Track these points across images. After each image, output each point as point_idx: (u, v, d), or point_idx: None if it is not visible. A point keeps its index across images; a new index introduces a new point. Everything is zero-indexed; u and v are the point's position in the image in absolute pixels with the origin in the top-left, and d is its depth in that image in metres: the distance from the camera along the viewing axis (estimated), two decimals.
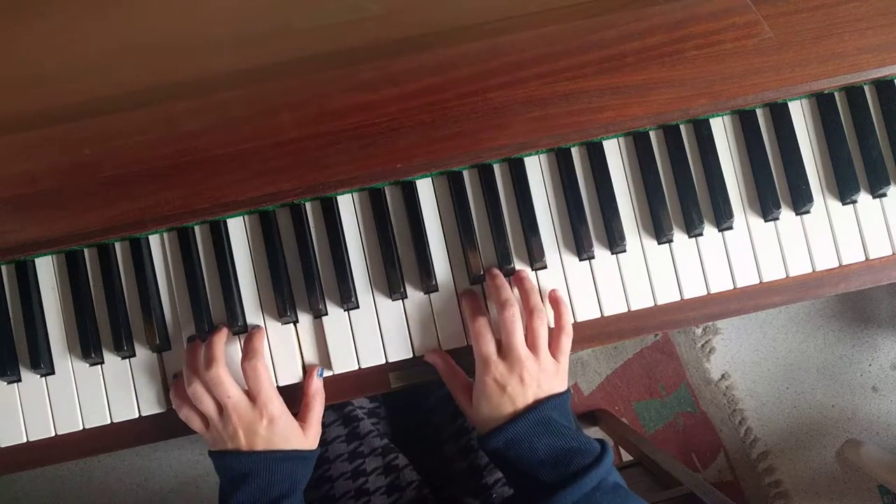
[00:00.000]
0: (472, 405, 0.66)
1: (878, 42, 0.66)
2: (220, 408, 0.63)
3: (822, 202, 0.71)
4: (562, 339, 0.67)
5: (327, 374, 0.69)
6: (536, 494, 0.62)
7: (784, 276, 0.71)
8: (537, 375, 0.64)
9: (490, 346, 0.64)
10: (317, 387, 0.68)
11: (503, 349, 0.64)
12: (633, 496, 0.62)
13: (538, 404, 0.64)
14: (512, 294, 0.66)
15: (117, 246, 0.69)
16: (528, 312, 0.66)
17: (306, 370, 0.69)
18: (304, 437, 0.66)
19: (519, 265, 0.70)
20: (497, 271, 0.68)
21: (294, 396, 0.68)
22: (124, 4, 0.63)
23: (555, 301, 0.68)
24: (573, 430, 0.64)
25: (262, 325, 0.69)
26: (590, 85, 0.65)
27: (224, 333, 0.67)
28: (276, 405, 0.64)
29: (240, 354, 0.66)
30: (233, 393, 0.63)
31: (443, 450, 0.83)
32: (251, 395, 0.64)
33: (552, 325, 0.68)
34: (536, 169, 0.71)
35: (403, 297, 0.69)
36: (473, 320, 0.65)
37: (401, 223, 0.70)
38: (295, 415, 0.66)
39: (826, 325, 1.47)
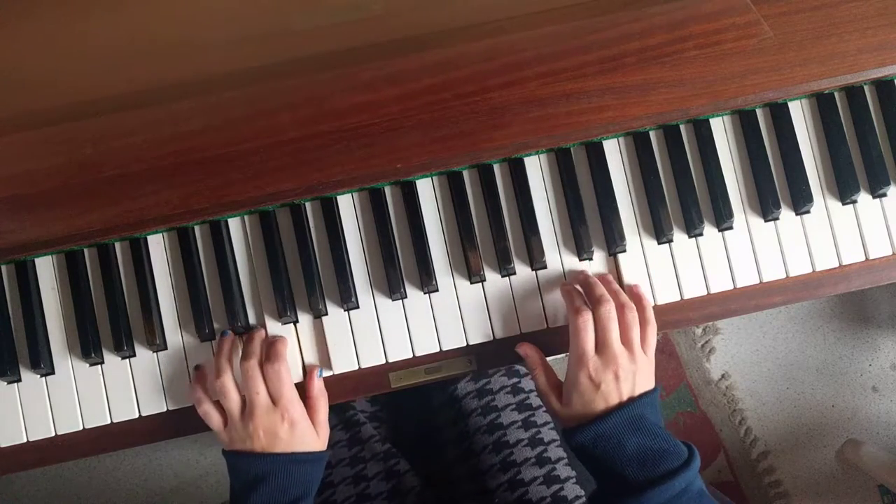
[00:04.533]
0: (560, 401, 0.65)
1: (878, 42, 0.66)
2: (244, 406, 0.63)
3: (822, 202, 0.71)
4: (648, 331, 0.66)
5: (327, 373, 0.69)
6: (621, 493, 0.60)
7: (784, 276, 0.71)
8: (632, 372, 0.63)
9: (590, 343, 0.63)
10: (319, 387, 0.68)
11: (598, 345, 0.64)
12: None
13: (631, 401, 0.62)
14: (606, 291, 0.66)
15: (117, 246, 0.69)
16: (620, 307, 0.65)
17: (307, 371, 0.69)
18: (318, 439, 0.66)
19: (519, 265, 0.70)
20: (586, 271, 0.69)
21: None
22: (124, 4, 0.63)
23: (637, 297, 0.68)
24: (663, 430, 0.63)
25: (279, 333, 0.69)
26: (590, 85, 0.65)
27: (263, 333, 0.68)
28: (298, 409, 0.64)
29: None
30: (261, 390, 0.63)
31: (444, 454, 0.83)
32: (272, 398, 0.64)
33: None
34: (536, 169, 0.71)
35: (403, 297, 0.69)
36: (577, 315, 0.64)
37: (401, 223, 0.70)
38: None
39: (826, 325, 1.47)
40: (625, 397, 0.63)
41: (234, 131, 0.63)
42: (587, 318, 0.64)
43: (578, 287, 0.68)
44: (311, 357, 0.69)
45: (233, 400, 0.64)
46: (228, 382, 0.64)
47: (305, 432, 0.64)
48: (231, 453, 0.64)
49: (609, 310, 0.64)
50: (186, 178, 0.63)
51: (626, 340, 0.64)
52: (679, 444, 0.62)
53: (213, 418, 0.65)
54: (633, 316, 0.65)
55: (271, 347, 0.66)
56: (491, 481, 0.78)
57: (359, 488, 0.78)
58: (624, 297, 0.66)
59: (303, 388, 0.67)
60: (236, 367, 0.65)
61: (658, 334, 0.69)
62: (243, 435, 0.63)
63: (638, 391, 0.63)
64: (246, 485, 0.62)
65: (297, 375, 0.69)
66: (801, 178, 0.71)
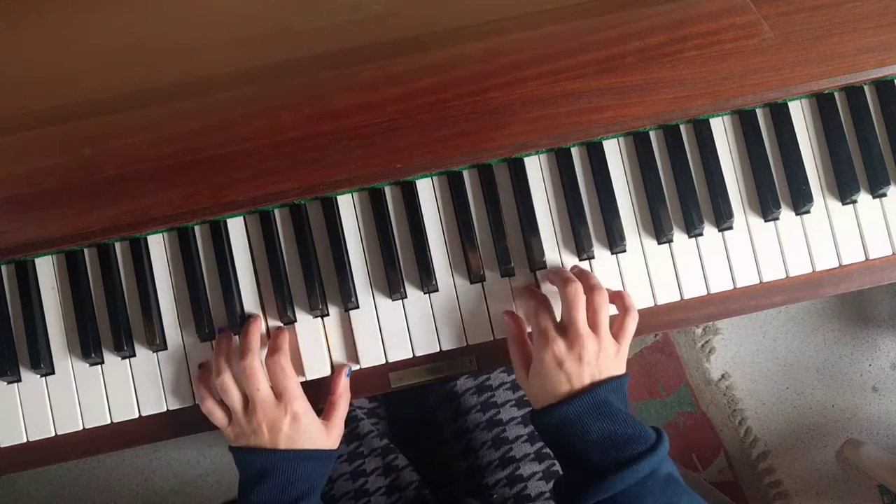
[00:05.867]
0: (528, 379, 0.65)
1: (878, 42, 0.66)
2: (246, 401, 0.63)
3: (822, 202, 0.71)
4: (626, 321, 0.65)
5: (327, 374, 0.69)
6: (586, 478, 0.60)
7: (784, 276, 0.71)
8: (597, 355, 0.62)
9: (549, 322, 0.63)
10: (344, 386, 0.67)
11: (564, 325, 0.63)
12: (687, 490, 0.60)
13: (595, 386, 0.61)
14: (573, 275, 0.65)
15: (117, 246, 0.69)
16: (590, 289, 0.64)
17: (335, 368, 0.69)
18: (326, 436, 0.65)
19: (519, 266, 0.70)
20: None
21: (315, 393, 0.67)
22: (125, 5, 0.63)
23: (615, 293, 0.68)
24: (629, 415, 0.62)
25: (288, 327, 0.69)
26: (590, 85, 0.65)
27: (260, 323, 0.67)
28: (301, 403, 0.64)
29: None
30: (262, 386, 0.63)
31: (443, 450, 0.83)
32: (276, 392, 0.63)
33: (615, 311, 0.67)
34: (536, 169, 0.71)
35: (403, 297, 0.69)
36: (531, 297, 0.64)
37: (401, 223, 0.70)
38: (318, 412, 0.66)
39: (826, 325, 1.47)
40: (588, 381, 0.61)
41: (234, 131, 0.63)
42: (541, 299, 0.65)
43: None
44: (310, 357, 0.69)
45: (234, 397, 0.63)
46: (228, 380, 0.63)
47: (310, 427, 0.64)
48: (236, 449, 0.64)
49: (575, 290, 0.63)
50: (186, 178, 0.63)
51: (592, 323, 0.63)
52: (646, 428, 0.61)
53: (217, 416, 0.65)
54: (602, 299, 0.64)
55: (273, 340, 0.66)
56: (489, 477, 0.78)
57: (357, 483, 0.78)
58: (595, 280, 0.66)
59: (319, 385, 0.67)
60: (235, 363, 0.65)
61: (658, 334, 0.68)
62: (247, 430, 0.63)
63: (604, 376, 0.62)
64: (251, 480, 0.62)
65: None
66: (801, 178, 0.71)
